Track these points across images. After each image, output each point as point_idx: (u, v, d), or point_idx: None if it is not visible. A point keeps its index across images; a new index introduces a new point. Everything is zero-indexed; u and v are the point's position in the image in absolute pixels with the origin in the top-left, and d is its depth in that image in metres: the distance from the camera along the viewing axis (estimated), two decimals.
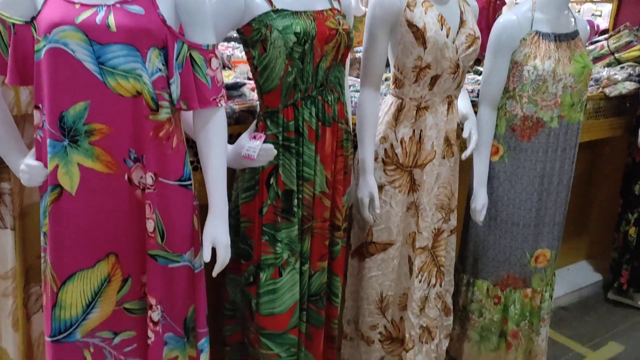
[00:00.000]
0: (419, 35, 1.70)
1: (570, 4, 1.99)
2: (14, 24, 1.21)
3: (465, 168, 2.09)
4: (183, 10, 1.29)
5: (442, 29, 1.71)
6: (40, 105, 1.24)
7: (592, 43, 3.69)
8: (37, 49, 1.19)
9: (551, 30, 1.92)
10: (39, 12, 1.19)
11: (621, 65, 3.28)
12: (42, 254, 1.35)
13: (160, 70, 1.25)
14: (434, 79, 1.76)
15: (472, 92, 2.33)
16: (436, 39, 1.69)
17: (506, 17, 1.95)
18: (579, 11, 6.09)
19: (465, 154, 1.91)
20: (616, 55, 3.43)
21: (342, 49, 1.59)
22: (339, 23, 1.56)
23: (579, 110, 2.01)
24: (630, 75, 3.03)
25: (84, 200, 1.27)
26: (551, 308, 2.27)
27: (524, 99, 1.95)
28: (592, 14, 9.00)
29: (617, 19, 4.31)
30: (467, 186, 2.14)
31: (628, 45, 3.41)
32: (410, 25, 1.70)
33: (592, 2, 8.48)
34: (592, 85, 2.99)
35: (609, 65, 3.37)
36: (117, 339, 1.41)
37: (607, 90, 2.92)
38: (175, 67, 1.27)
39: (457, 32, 1.76)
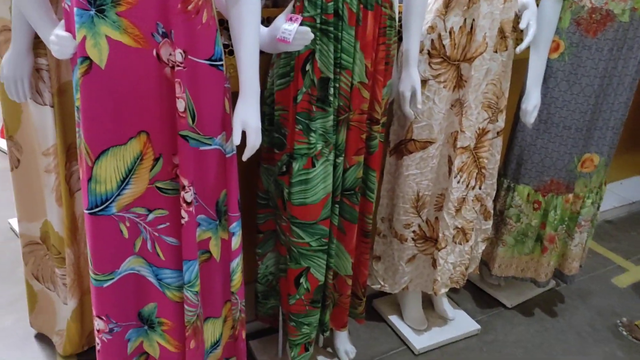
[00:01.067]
0: None
1: None
2: None
3: (520, 67, 1.94)
4: None
5: None
6: None
7: None
8: None
9: None
10: None
11: None
12: (77, 129, 1.36)
13: None
14: None
15: None
16: None
17: None
18: None
19: (520, 47, 1.75)
20: None
21: None
22: None
23: None
24: None
25: (113, 74, 1.24)
26: (593, 217, 2.18)
27: None
28: None
29: None
30: (519, 86, 2.00)
31: None
32: None
33: None
34: None
35: None
36: (152, 215, 1.44)
37: None
38: None
39: None
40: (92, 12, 1.18)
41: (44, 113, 1.62)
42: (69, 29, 1.25)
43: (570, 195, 2.06)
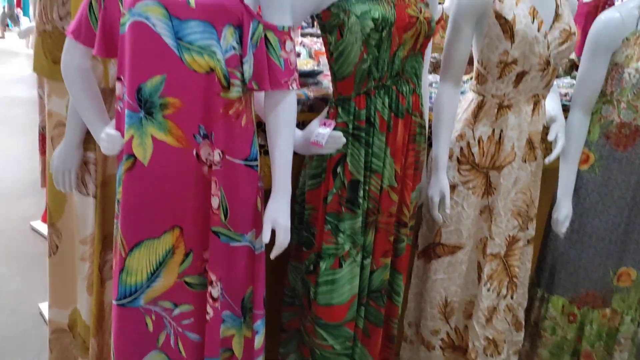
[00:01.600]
0: (507, 28, 1.60)
1: None
2: None
3: (552, 177, 1.96)
4: None
5: (533, 22, 1.60)
6: (121, 77, 1.30)
7: None
8: (122, 22, 1.25)
9: None
10: None
11: None
12: (115, 221, 1.42)
13: (234, 48, 1.27)
14: (520, 76, 1.66)
15: (565, 95, 2.18)
16: (525, 32, 1.59)
17: (608, 14, 1.79)
18: None
19: (549, 158, 1.78)
20: None
21: (422, 38, 1.53)
22: (421, 11, 1.51)
23: None
24: None
25: (154, 171, 1.31)
26: (634, 335, 2.06)
27: (622, 104, 1.79)
28: None
29: None
30: (551, 194, 2.00)
31: None
32: (499, 17, 1.61)
33: None
34: None
35: None
36: (177, 310, 1.45)
37: None
38: (249, 47, 1.28)
39: (551, 27, 1.65)
40: (141, 114, 1.28)
41: (86, 203, 1.70)
42: (119, 127, 1.35)
43: (608, 310, 1.98)
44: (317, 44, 3.25)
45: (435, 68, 2.64)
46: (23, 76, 7.93)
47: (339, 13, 1.46)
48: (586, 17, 4.52)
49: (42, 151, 3.17)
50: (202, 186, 1.35)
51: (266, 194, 1.48)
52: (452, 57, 1.69)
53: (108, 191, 1.69)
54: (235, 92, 1.30)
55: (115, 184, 1.55)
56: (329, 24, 1.49)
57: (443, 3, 3.27)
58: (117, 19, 1.26)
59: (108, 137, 1.34)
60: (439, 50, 2.34)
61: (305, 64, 2.04)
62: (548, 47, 1.63)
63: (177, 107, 1.27)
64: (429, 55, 1.73)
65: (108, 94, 1.55)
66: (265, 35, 1.31)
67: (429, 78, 1.91)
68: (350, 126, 1.54)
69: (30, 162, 4.20)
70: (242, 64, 1.29)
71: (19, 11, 11.87)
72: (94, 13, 1.31)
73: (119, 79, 1.31)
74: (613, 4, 4.55)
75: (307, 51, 3.17)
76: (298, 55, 2.77)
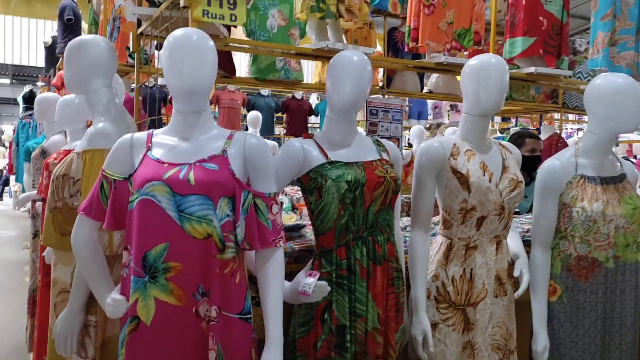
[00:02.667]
0: (463, 180, 1.85)
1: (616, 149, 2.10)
2: (115, 180, 1.49)
3: (528, 307, 2.08)
4: (250, 166, 1.53)
5: (484, 175, 1.86)
6: (128, 247, 1.46)
7: None
8: (131, 200, 1.45)
9: (596, 174, 2.00)
10: (135, 170, 1.47)
11: None
12: None
13: (228, 215, 1.46)
14: (480, 220, 1.87)
15: (527, 231, 2.39)
16: (479, 183, 1.84)
17: (550, 162, 2.06)
18: None
19: (517, 294, 1.93)
20: None
21: (390, 194, 1.76)
22: (387, 172, 1.75)
23: (636, 251, 2.01)
24: None
25: (156, 329, 1.43)
26: None
27: (577, 239, 1.99)
28: None
29: None
30: (530, 326, 2.11)
31: None
32: (455, 171, 1.86)
33: None
34: None
35: None
36: None
37: None
38: (241, 213, 1.48)
39: (500, 177, 1.90)
40: (146, 278, 1.42)
41: None
42: (124, 292, 1.48)
43: None
44: (298, 193, 3.51)
45: (408, 209, 2.87)
46: (9, 237, 8.05)
47: (317, 177, 1.69)
48: (543, 154, 4.97)
49: (31, 314, 3.20)
50: (201, 341, 1.45)
51: (259, 343, 1.57)
52: (420, 208, 1.92)
53: (107, 353, 1.76)
54: (229, 253, 1.47)
55: (114, 345, 1.64)
56: (309, 187, 1.72)
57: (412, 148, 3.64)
58: (126, 197, 1.46)
59: (114, 302, 1.46)
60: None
61: (289, 218, 2.25)
62: (501, 195, 1.87)
63: (179, 270, 1.42)
64: (399, 207, 1.94)
65: (112, 260, 1.71)
66: (254, 202, 1.51)
67: (402, 223, 2.11)
68: (334, 275, 1.70)
69: (15, 325, 4.17)
70: (235, 228, 1.48)
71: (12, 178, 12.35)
72: (104, 192, 1.52)
73: (126, 248, 1.47)
74: (565, 143, 5.03)
75: (289, 200, 3.42)
76: (281, 204, 3.00)
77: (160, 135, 1.54)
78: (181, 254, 1.41)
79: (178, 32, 1.47)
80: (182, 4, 1.59)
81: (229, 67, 3.64)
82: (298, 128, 7.46)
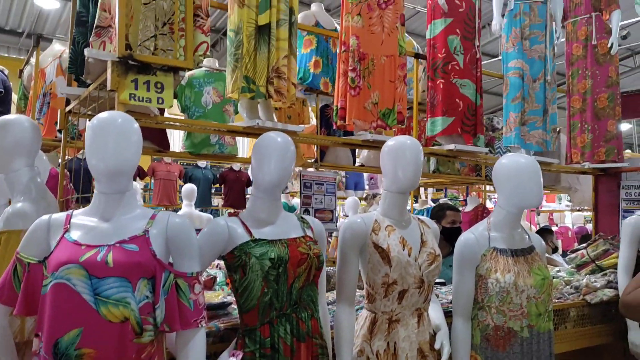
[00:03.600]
0: (385, 255, 1.92)
1: (523, 223, 2.25)
2: (29, 263, 1.46)
3: None
4: (173, 245, 1.54)
5: (404, 249, 1.94)
6: (39, 333, 1.41)
7: (573, 251, 3.92)
8: (45, 283, 1.41)
9: (507, 247, 2.14)
10: (51, 253, 1.44)
11: (603, 272, 3.45)
12: None
13: (147, 297, 1.45)
14: (402, 294, 1.94)
15: (450, 302, 2.48)
16: (399, 258, 1.92)
17: (465, 236, 2.19)
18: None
19: None
20: (597, 262, 3.62)
21: (314, 270, 1.80)
22: (310, 248, 1.80)
23: (547, 320, 2.12)
24: (609, 282, 3.18)
25: None
26: None
27: (493, 310, 2.09)
28: (585, 220, 9.52)
29: (597, 227, 4.60)
30: None
31: (606, 253, 3.63)
32: (376, 246, 1.94)
33: (581, 210, 9.01)
34: (572, 293, 3.12)
35: (592, 272, 3.54)
36: None
37: (587, 298, 3.04)
38: (161, 294, 1.47)
39: (419, 251, 1.99)
40: None
41: None
42: None
43: None
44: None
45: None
46: None
47: (242, 255, 1.72)
48: (469, 224, 5.20)
49: None
50: None
51: None
52: (344, 282, 1.97)
53: None
54: (147, 336, 1.44)
55: None
56: (234, 265, 1.74)
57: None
58: (40, 281, 1.43)
59: None
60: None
61: (217, 295, 2.23)
62: (420, 269, 1.96)
63: (92, 356, 1.38)
64: (324, 282, 1.98)
65: (22, 347, 1.63)
66: (176, 282, 1.51)
67: (327, 298, 2.14)
68: (257, 354, 1.69)
69: None
70: (154, 310, 1.46)
71: None
72: (17, 276, 1.47)
73: (37, 335, 1.42)
74: (488, 213, 5.30)
75: (224, 274, 3.38)
76: (214, 279, 2.97)
77: (80, 216, 1.53)
78: (96, 339, 1.38)
79: (103, 114, 1.51)
80: (108, 87, 1.64)
81: (163, 142, 3.67)
82: (236, 200, 7.46)
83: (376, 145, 3.40)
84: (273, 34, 2.64)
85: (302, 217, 1.92)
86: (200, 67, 2.90)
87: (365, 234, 1.96)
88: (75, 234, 1.47)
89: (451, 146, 3.46)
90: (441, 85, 3.49)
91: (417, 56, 3.70)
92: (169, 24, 1.74)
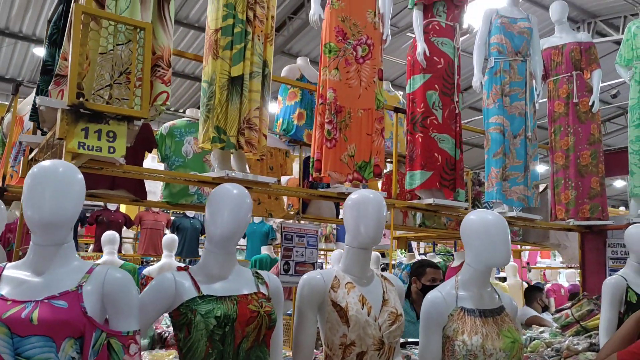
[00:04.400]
0: (343, 314, 1.84)
1: (492, 283, 2.18)
2: None
3: None
4: (109, 302, 1.46)
5: (363, 308, 1.86)
6: None
7: (558, 311, 3.81)
8: None
9: (475, 307, 2.05)
10: None
11: (588, 334, 3.33)
12: None
13: (73, 358, 1.36)
14: (360, 356, 1.84)
15: None
16: (358, 317, 1.83)
17: (433, 294, 2.10)
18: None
19: None
20: (582, 323, 3.51)
21: (264, 329, 1.71)
22: (262, 306, 1.72)
23: None
24: (592, 345, 3.06)
25: None
26: None
27: None
28: (577, 278, 9.35)
29: (585, 286, 4.50)
30: None
31: (590, 313, 3.52)
32: (335, 304, 1.85)
33: (574, 267, 8.89)
34: (553, 356, 3.00)
35: (577, 333, 3.43)
36: None
37: None
38: (90, 354, 1.38)
39: (380, 311, 1.91)
40: None
41: None
42: None
43: None
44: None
45: None
46: None
47: (187, 312, 1.63)
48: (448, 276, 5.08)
49: None
50: None
51: None
52: (301, 342, 1.87)
53: None
54: None
55: None
56: (179, 323, 1.65)
57: None
58: None
59: None
60: None
61: (167, 355, 2.13)
62: (380, 329, 1.86)
63: None
64: (280, 340, 1.88)
65: None
66: (109, 342, 1.42)
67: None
68: None
69: None
70: None
71: None
72: None
73: None
74: None
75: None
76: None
77: (12, 270, 1.46)
78: None
79: (44, 162, 1.47)
80: (57, 135, 1.60)
81: (140, 191, 3.63)
82: None
83: None
84: (246, 86, 2.65)
85: (257, 273, 1.84)
86: (181, 116, 2.86)
87: (323, 291, 1.88)
88: (3, 289, 1.39)
89: (430, 200, 3.42)
90: (420, 139, 3.48)
91: (396, 110, 3.72)
92: (126, 73, 1.72)
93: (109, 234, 5.16)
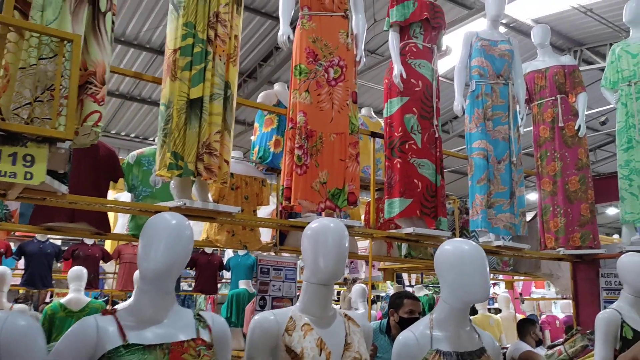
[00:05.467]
0: None
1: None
2: None
3: None
4: (6, 355, 1.23)
5: (320, 354, 1.63)
6: None
7: (550, 347, 3.57)
8: None
9: (452, 349, 1.82)
10: None
11: None
12: None
13: None
14: None
15: None
16: None
17: (405, 335, 1.87)
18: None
19: None
20: None
21: None
22: (199, 355, 1.49)
23: None
24: None
25: None
26: None
27: None
28: (572, 310, 9.07)
29: (578, 319, 4.26)
30: None
31: (584, 350, 3.29)
32: (289, 350, 1.63)
33: (568, 298, 8.64)
34: None
35: None
36: None
37: None
38: None
39: (342, 356, 1.68)
40: None
41: None
42: None
43: None
44: None
45: None
46: None
47: None
48: None
49: None
50: None
51: None
52: None
53: None
54: None
55: None
56: None
57: None
58: None
59: None
60: None
61: None
62: None
63: None
64: None
65: None
66: None
67: None
68: None
69: None
70: None
71: None
72: None
73: None
74: None
75: None
76: None
77: None
78: None
79: None
80: None
81: (102, 224, 3.40)
82: (207, 284, 7.07)
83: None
84: (205, 108, 2.46)
85: (198, 315, 1.61)
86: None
87: (276, 334, 1.65)
88: None
89: (409, 230, 3.21)
90: (398, 165, 3.30)
91: (373, 135, 3.55)
92: (50, 90, 1.53)
93: (75, 270, 4.89)
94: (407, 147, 3.33)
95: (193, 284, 7.60)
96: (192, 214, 2.61)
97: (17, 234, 6.93)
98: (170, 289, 1.57)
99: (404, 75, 3.38)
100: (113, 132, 11.25)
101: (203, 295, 9.43)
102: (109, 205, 2.51)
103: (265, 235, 4.62)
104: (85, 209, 2.47)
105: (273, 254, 4.14)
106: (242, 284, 5.63)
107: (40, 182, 1.48)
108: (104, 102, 1.78)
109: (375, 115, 5.22)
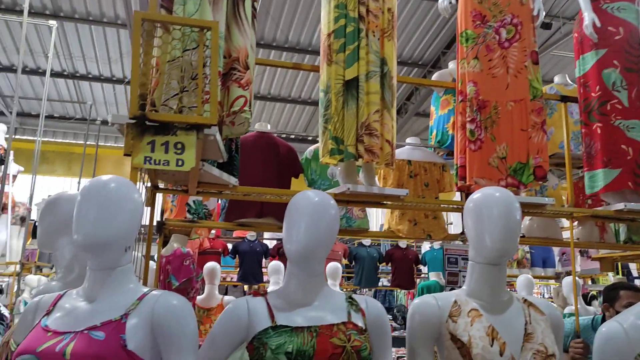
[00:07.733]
0: (465, 351, 1.38)
1: None
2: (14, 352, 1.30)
3: None
4: (159, 333, 1.27)
5: (492, 345, 1.37)
6: None
7: None
8: None
9: None
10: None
11: None
12: None
13: None
14: None
15: None
16: (484, 357, 1.35)
17: (610, 326, 1.50)
18: None
19: None
20: None
21: None
22: (349, 339, 1.36)
23: None
24: None
25: None
26: None
27: None
28: None
29: None
30: None
31: None
32: (454, 339, 1.41)
33: None
34: None
35: None
36: None
37: None
38: None
39: (521, 349, 1.40)
40: None
41: None
42: None
43: None
44: None
45: None
46: None
47: (259, 347, 1.36)
48: None
49: None
50: None
51: None
52: None
53: None
54: None
55: None
56: (253, 359, 1.38)
57: None
58: None
59: None
60: None
61: None
62: None
63: None
64: None
65: None
66: None
67: None
68: None
69: None
70: None
71: None
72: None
73: None
74: None
75: None
76: None
77: (68, 297, 1.35)
78: None
79: (94, 179, 1.36)
80: (124, 151, 1.51)
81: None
82: (404, 279, 7.02)
83: (535, 212, 2.77)
84: (362, 88, 2.35)
85: (350, 298, 1.49)
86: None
87: (439, 321, 1.45)
88: (51, 318, 1.29)
89: (620, 206, 2.66)
90: (598, 130, 2.77)
91: (563, 99, 3.04)
92: (195, 80, 1.58)
93: (274, 264, 5.19)
94: (610, 108, 2.78)
95: (390, 279, 7.60)
96: (357, 199, 2.52)
97: (234, 234, 7.71)
98: (318, 271, 1.48)
99: (598, 24, 2.83)
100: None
101: (403, 291, 9.41)
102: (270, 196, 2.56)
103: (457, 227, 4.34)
104: (273, 201, 2.54)
105: (460, 242, 3.85)
106: (433, 276, 5.42)
107: (191, 167, 1.53)
108: (248, 86, 1.79)
109: (571, 82, 4.55)
